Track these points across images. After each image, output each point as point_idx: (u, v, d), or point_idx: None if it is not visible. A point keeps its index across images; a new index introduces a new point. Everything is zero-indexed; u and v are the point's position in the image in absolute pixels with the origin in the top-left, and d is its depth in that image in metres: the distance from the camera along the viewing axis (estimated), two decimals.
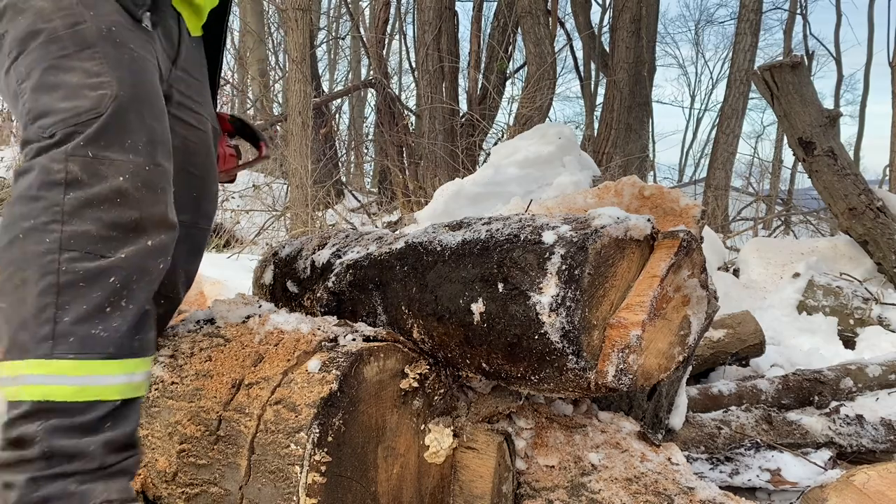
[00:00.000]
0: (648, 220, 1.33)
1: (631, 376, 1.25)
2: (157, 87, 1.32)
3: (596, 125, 9.39)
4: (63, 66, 1.22)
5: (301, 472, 1.26)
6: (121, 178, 1.20)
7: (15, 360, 1.15)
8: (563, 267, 1.23)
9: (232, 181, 1.92)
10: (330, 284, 1.74)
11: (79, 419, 1.15)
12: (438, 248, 1.47)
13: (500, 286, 1.30)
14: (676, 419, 2.00)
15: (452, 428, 1.48)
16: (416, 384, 1.43)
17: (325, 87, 14.82)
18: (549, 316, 1.22)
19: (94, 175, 1.19)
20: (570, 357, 1.23)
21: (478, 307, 1.33)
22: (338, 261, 1.75)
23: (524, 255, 1.30)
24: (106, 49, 1.24)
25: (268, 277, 1.97)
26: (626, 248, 1.30)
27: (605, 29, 11.86)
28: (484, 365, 1.40)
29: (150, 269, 1.25)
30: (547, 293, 1.23)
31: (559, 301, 1.22)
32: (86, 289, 1.17)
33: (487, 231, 1.42)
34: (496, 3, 10.00)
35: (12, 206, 1.21)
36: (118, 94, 1.22)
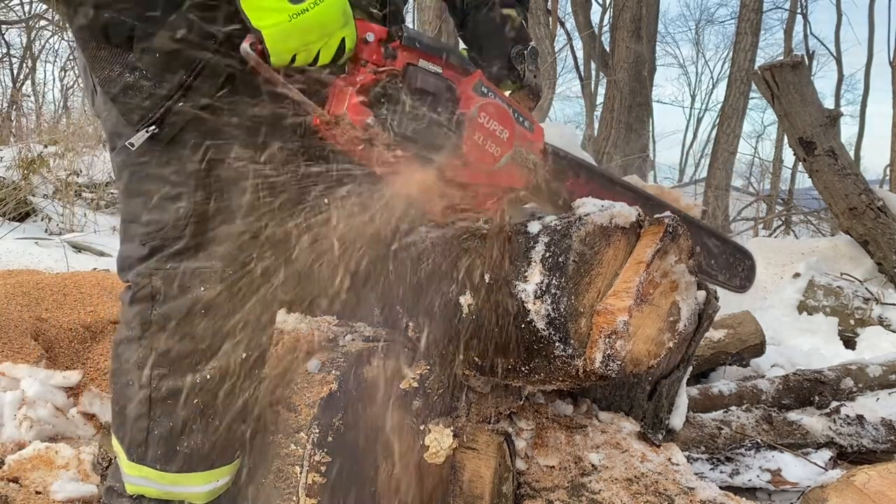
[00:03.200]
0: (634, 207, 1.33)
1: (619, 362, 1.25)
2: (243, 179, 1.21)
3: (596, 125, 9.39)
4: (144, 174, 1.21)
5: (301, 472, 1.26)
6: (202, 289, 1.19)
7: (116, 441, 1.29)
8: (547, 255, 1.23)
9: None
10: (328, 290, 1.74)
11: None
12: (429, 247, 1.48)
13: (487, 277, 1.31)
14: (677, 419, 2.00)
15: (452, 428, 1.48)
16: (415, 384, 1.43)
17: None
18: (534, 303, 1.22)
19: (178, 287, 1.20)
20: (556, 344, 1.23)
21: (466, 300, 1.34)
22: None
23: (509, 245, 1.30)
24: (184, 154, 1.19)
25: None
26: (611, 235, 1.30)
27: (606, 29, 11.87)
28: (476, 359, 1.40)
29: (241, 384, 1.24)
30: (531, 281, 1.23)
31: (543, 288, 1.22)
32: (172, 407, 1.22)
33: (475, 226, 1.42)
34: None
35: (123, 310, 1.27)
36: (196, 207, 1.19)
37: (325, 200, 1.48)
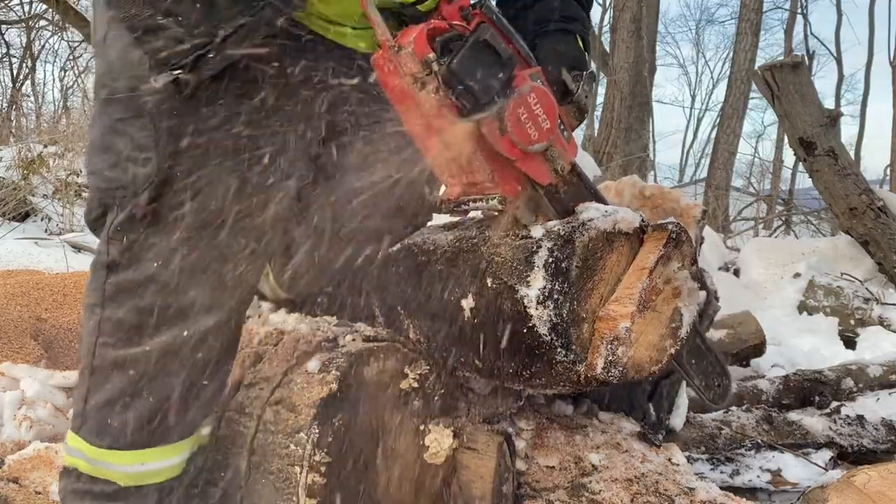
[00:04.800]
0: (638, 212, 1.33)
1: (621, 368, 1.25)
2: (221, 157, 1.19)
3: (596, 125, 9.39)
4: (118, 130, 1.19)
5: (301, 473, 1.26)
6: (155, 264, 1.17)
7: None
8: (550, 260, 1.23)
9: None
10: (329, 288, 1.74)
11: (93, 488, 1.25)
12: (431, 248, 1.47)
13: (489, 281, 1.31)
14: (677, 420, 2.00)
15: (452, 428, 1.48)
16: (415, 384, 1.43)
17: None
18: (537, 309, 1.22)
19: (131, 259, 1.19)
20: (558, 350, 1.23)
21: (468, 303, 1.34)
22: None
23: (512, 249, 1.30)
24: (159, 121, 1.16)
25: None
26: (614, 240, 1.30)
27: (606, 29, 11.87)
28: (477, 362, 1.40)
29: (182, 361, 1.21)
30: (534, 286, 1.23)
31: (546, 294, 1.22)
32: (109, 376, 1.21)
33: (478, 228, 1.42)
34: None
35: (88, 276, 1.26)
36: (157, 174, 1.16)
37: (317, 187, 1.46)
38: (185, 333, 1.20)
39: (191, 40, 1.13)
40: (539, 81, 1.19)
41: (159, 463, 1.26)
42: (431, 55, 1.10)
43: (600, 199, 1.37)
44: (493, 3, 1.17)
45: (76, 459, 1.25)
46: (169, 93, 1.15)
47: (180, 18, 1.13)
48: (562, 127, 1.24)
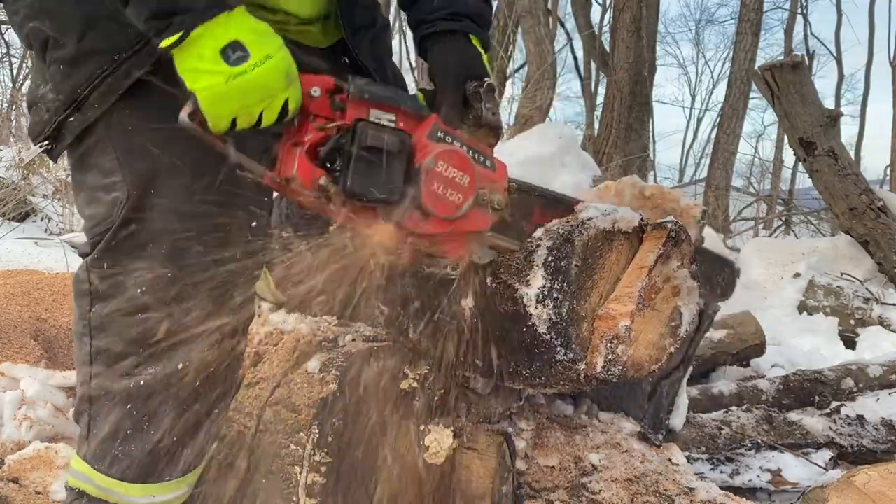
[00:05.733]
0: (637, 211, 1.33)
1: (620, 367, 1.25)
2: (188, 166, 1.13)
3: (596, 125, 9.38)
4: (86, 165, 1.15)
5: (301, 473, 1.26)
6: (139, 290, 1.12)
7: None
8: (549, 259, 1.23)
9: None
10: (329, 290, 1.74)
11: None
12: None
13: (488, 280, 1.31)
14: (677, 420, 2.00)
15: (452, 428, 1.48)
16: (415, 384, 1.43)
17: None
18: (536, 308, 1.22)
19: (114, 287, 1.14)
20: (558, 349, 1.23)
21: (467, 302, 1.34)
22: None
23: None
24: (117, 138, 1.11)
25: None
26: (614, 239, 1.30)
27: (606, 29, 11.87)
28: (477, 361, 1.40)
29: (180, 395, 1.16)
30: (533, 285, 1.23)
31: (546, 293, 1.22)
32: (109, 408, 1.17)
33: None
34: (496, 3, 9.99)
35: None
36: (130, 195, 1.11)
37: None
38: (180, 366, 1.15)
39: (54, 106, 1.10)
40: (440, 135, 1.10)
41: (170, 495, 1.23)
42: (322, 179, 1.02)
43: (548, 197, 1.32)
44: (358, 81, 1.05)
45: (84, 484, 1.21)
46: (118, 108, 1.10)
47: (50, 84, 1.10)
48: (482, 160, 1.15)
